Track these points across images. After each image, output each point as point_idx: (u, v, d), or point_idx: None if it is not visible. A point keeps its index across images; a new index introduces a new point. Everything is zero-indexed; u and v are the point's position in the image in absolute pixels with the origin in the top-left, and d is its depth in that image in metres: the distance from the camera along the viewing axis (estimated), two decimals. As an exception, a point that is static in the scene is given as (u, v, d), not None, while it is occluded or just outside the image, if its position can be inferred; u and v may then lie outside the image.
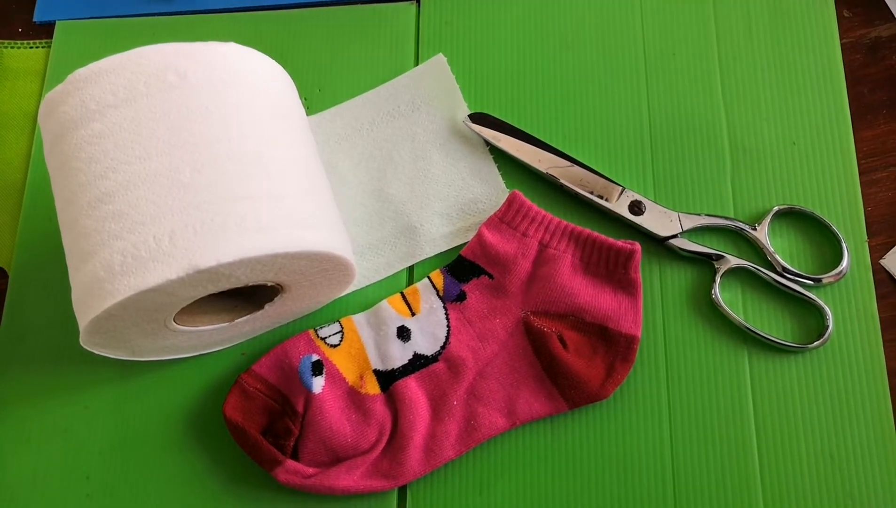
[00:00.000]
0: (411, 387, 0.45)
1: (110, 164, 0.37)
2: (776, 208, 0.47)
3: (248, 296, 0.45)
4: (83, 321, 0.38)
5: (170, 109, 0.38)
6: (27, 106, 0.55)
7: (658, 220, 0.47)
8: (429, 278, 0.48)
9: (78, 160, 0.38)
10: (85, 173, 0.37)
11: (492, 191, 0.49)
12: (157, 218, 0.36)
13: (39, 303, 0.50)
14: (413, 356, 0.46)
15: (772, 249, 0.47)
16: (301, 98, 0.52)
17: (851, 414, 0.44)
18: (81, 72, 0.39)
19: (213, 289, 0.39)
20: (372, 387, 0.45)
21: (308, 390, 0.44)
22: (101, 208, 0.37)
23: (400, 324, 0.46)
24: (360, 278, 0.49)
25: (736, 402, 0.45)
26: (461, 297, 0.47)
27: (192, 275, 0.36)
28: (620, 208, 0.48)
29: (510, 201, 0.47)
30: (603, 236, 0.46)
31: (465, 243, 0.48)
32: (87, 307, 0.37)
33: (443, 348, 0.46)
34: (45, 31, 0.57)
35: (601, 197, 0.48)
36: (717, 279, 0.46)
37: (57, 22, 0.56)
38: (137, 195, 0.36)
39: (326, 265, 0.41)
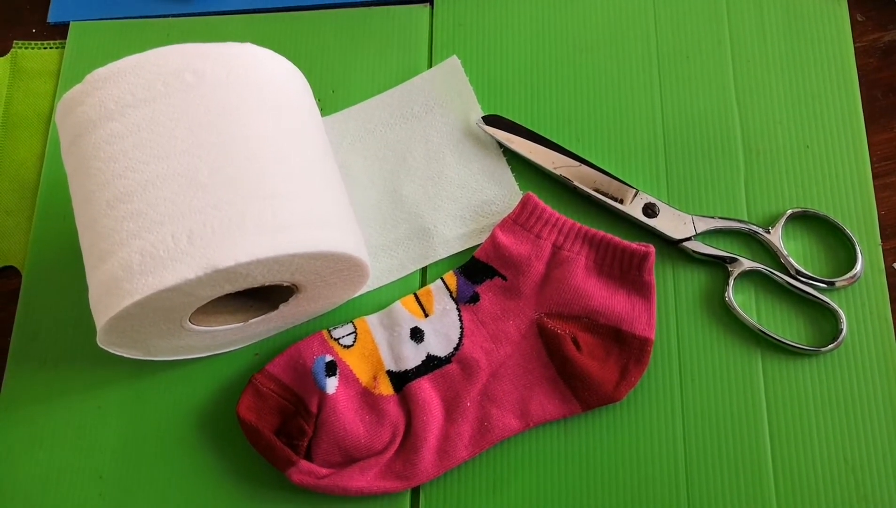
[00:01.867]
0: (425, 388, 0.45)
1: (129, 163, 0.37)
2: (790, 211, 0.47)
3: (263, 296, 0.45)
4: (101, 320, 0.38)
5: (188, 109, 0.38)
6: (41, 106, 0.55)
7: (672, 222, 0.47)
8: (442, 279, 0.48)
9: (97, 160, 0.38)
10: (103, 173, 0.37)
11: (505, 193, 0.49)
12: (176, 218, 0.36)
13: (52, 303, 0.50)
14: (426, 357, 0.46)
15: (785, 252, 0.47)
16: (315, 99, 0.52)
17: (865, 417, 0.44)
18: (100, 72, 0.39)
19: (230, 289, 0.39)
20: (385, 388, 0.45)
21: (322, 390, 0.44)
22: (120, 207, 0.37)
23: (413, 325, 0.46)
24: (374, 280, 0.49)
25: (749, 405, 0.45)
26: (474, 298, 0.47)
27: (210, 275, 0.36)
28: (634, 210, 0.48)
29: (524, 203, 0.47)
30: (617, 239, 0.46)
31: (478, 245, 0.48)
32: (105, 307, 0.37)
33: (456, 349, 0.46)
34: (58, 31, 0.57)
35: (615, 199, 0.48)
36: (731, 282, 0.46)
37: (71, 23, 0.57)
38: (156, 195, 0.36)
39: (342, 266, 0.42)
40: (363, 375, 0.46)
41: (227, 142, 0.38)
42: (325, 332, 0.46)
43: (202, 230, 0.36)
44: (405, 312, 0.47)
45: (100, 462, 0.46)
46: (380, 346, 0.46)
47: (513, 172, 0.50)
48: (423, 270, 0.49)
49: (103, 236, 0.37)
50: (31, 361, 0.49)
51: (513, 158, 0.50)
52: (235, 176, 0.37)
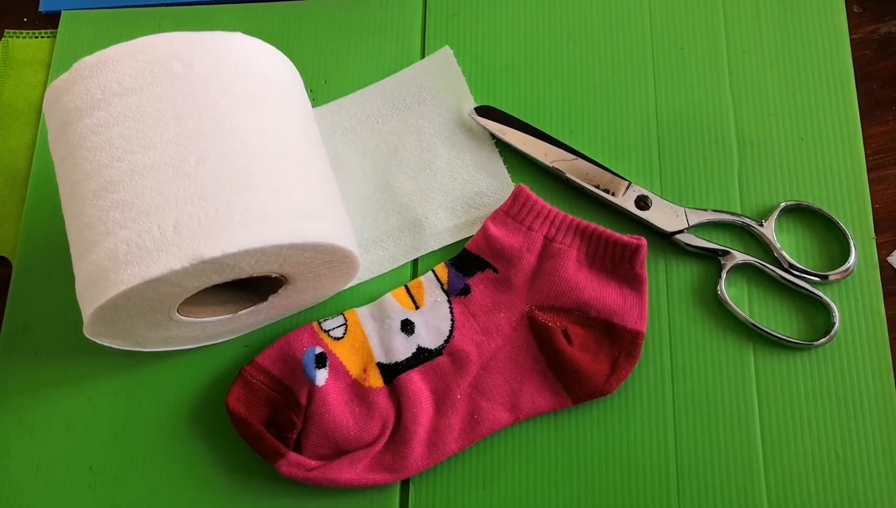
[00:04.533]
0: (415, 381, 0.45)
1: (115, 153, 0.37)
2: (783, 204, 0.47)
3: (252, 288, 0.44)
4: (87, 310, 0.37)
5: (175, 99, 0.38)
6: (32, 96, 0.55)
7: (664, 215, 0.47)
8: (433, 271, 0.47)
9: (83, 149, 0.38)
10: (90, 162, 0.37)
11: (497, 185, 0.49)
12: (162, 208, 0.36)
13: (43, 293, 0.50)
14: (417, 349, 0.46)
15: (778, 245, 0.46)
16: (307, 90, 0.51)
17: (857, 412, 0.44)
18: (87, 60, 0.38)
19: (217, 279, 0.39)
20: (375, 380, 0.45)
21: (311, 382, 0.44)
22: (106, 197, 0.37)
23: (404, 317, 0.46)
24: (365, 271, 0.48)
25: (741, 398, 0.45)
26: (465, 291, 0.47)
27: (196, 265, 0.35)
28: (626, 202, 0.47)
29: (515, 195, 0.47)
30: (609, 231, 0.46)
31: (469, 237, 0.48)
32: (92, 297, 0.37)
33: (447, 341, 0.46)
34: (50, 20, 0.57)
35: (607, 191, 0.48)
36: (723, 275, 0.46)
37: (62, 12, 0.56)
38: (142, 185, 0.36)
39: (331, 257, 0.41)
40: (353, 367, 0.45)
41: (214, 132, 0.38)
42: (315, 324, 0.46)
43: (189, 221, 0.36)
44: (396, 304, 0.46)
45: (90, 453, 0.46)
46: (370, 338, 0.46)
47: (505, 164, 0.50)
48: (415, 262, 0.49)
49: (90, 226, 0.37)
50: (21, 352, 0.49)
51: (505, 149, 0.50)
52: (223, 166, 0.37)
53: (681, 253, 0.48)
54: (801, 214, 0.48)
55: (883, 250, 0.47)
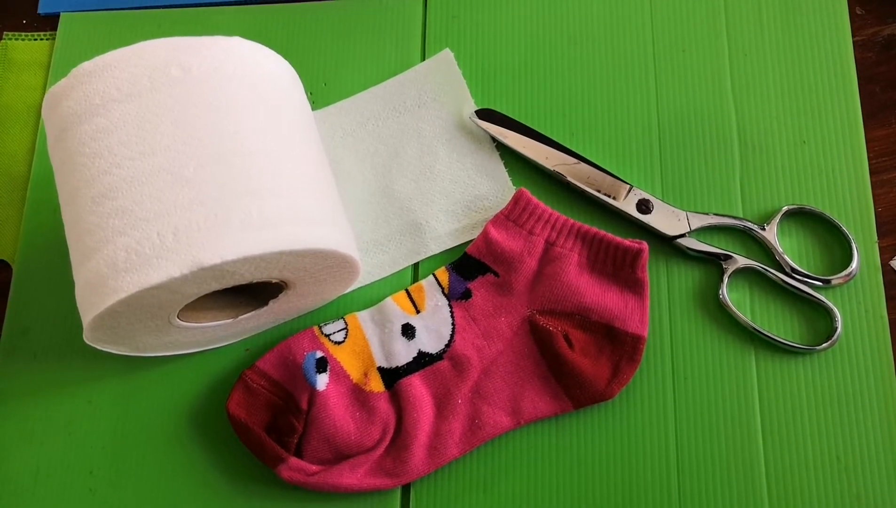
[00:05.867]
0: (416, 385, 0.45)
1: (114, 159, 0.37)
2: (785, 208, 0.47)
3: (253, 292, 0.44)
4: (86, 317, 0.37)
5: (174, 104, 0.38)
6: (31, 98, 0.55)
7: (666, 219, 0.47)
8: (434, 275, 0.47)
9: (82, 155, 0.37)
10: (88, 169, 0.37)
11: (498, 188, 0.49)
12: (161, 214, 0.36)
13: (43, 296, 0.50)
14: (418, 353, 0.45)
15: (780, 249, 0.46)
16: (307, 92, 0.51)
17: (859, 417, 0.44)
18: (85, 66, 0.38)
19: (217, 286, 0.39)
20: (376, 385, 0.45)
21: (312, 387, 0.44)
22: (105, 204, 0.36)
23: (405, 322, 0.46)
24: (365, 275, 0.48)
25: (742, 403, 0.45)
26: (466, 295, 0.47)
27: (195, 272, 0.35)
28: (628, 206, 0.47)
29: (516, 199, 0.47)
30: (610, 235, 0.45)
31: (470, 241, 0.48)
32: (91, 304, 0.37)
33: (447, 346, 0.46)
34: (49, 22, 0.57)
35: (608, 195, 0.47)
36: (725, 279, 0.46)
37: (61, 14, 0.56)
38: (141, 191, 0.36)
39: (331, 262, 0.41)
40: (354, 371, 0.45)
41: (213, 137, 0.37)
42: (315, 328, 0.46)
43: (188, 227, 0.36)
44: (396, 308, 0.46)
45: (90, 457, 0.46)
46: (371, 342, 0.46)
47: (506, 167, 0.50)
48: (415, 266, 0.49)
49: (89, 233, 0.37)
50: (21, 355, 0.49)
51: (506, 152, 0.50)
52: (222, 172, 0.37)
53: (682, 257, 0.47)
54: (803, 217, 0.48)
55: (885, 254, 0.47)
